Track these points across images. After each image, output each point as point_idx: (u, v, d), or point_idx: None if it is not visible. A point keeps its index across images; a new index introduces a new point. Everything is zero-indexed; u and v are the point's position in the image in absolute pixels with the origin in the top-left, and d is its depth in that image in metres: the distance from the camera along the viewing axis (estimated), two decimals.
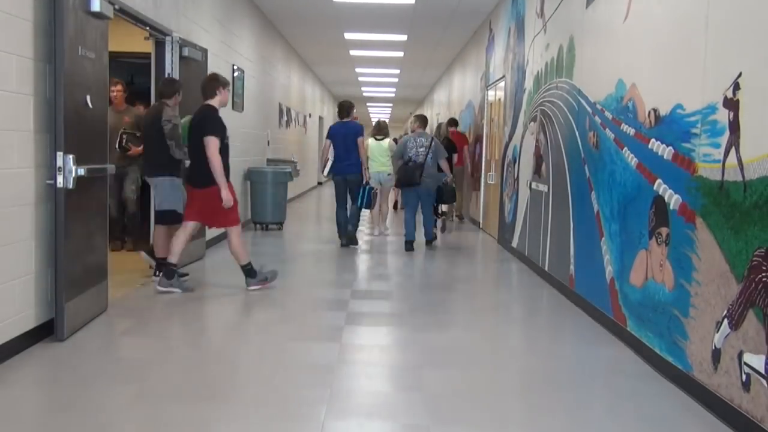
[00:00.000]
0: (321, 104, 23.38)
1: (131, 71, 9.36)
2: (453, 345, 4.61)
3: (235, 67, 9.59)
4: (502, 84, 9.87)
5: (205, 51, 7.49)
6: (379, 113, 39.56)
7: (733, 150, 3.36)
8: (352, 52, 15.69)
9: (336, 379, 3.82)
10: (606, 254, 5.12)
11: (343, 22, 12.08)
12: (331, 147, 8.61)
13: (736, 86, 3.35)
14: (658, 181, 4.23)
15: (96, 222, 4.88)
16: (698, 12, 3.78)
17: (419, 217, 8.76)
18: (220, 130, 5.61)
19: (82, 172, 4.38)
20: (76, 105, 4.44)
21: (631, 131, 4.69)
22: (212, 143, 5.52)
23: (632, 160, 4.65)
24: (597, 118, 5.43)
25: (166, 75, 6.68)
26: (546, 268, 6.94)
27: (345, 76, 20.86)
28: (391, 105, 32.88)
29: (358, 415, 3.36)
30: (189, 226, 5.79)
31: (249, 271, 5.91)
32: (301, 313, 5.38)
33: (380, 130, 9.94)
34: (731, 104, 3.39)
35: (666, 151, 4.14)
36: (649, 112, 4.41)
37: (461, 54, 14.75)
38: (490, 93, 11.00)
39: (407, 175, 8.48)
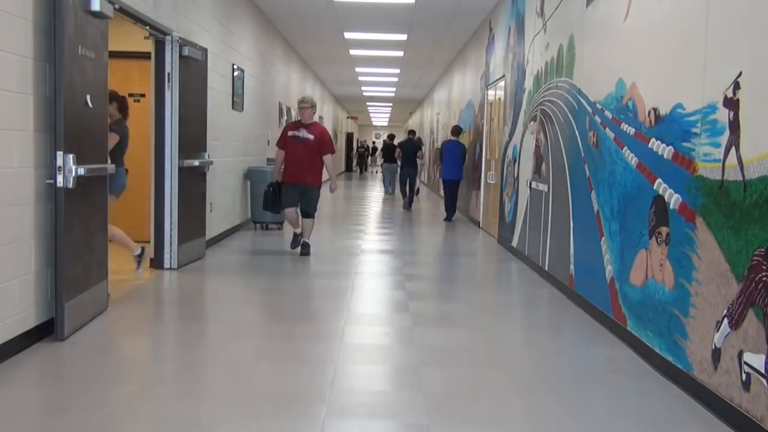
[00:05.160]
0: (321, 104, 23.38)
1: None
2: (453, 344, 4.61)
3: (235, 67, 9.59)
4: (502, 83, 9.87)
5: (205, 50, 7.49)
6: (379, 113, 39.61)
7: (733, 149, 3.36)
8: (352, 52, 15.68)
9: (336, 379, 3.82)
10: (606, 254, 5.12)
11: (343, 21, 12.08)
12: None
13: (736, 86, 3.35)
14: (658, 180, 4.23)
15: (96, 221, 4.88)
16: (698, 11, 3.78)
17: None
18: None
19: (82, 171, 4.38)
20: (76, 104, 4.44)
21: (631, 131, 4.69)
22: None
23: (632, 160, 4.65)
24: (597, 118, 5.44)
25: (166, 75, 6.69)
26: (546, 268, 6.94)
27: (345, 76, 20.87)
28: (390, 105, 32.88)
29: (358, 415, 3.36)
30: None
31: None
32: (301, 312, 5.38)
33: None
34: (731, 104, 3.39)
35: (666, 151, 4.14)
36: (649, 112, 4.41)
37: (461, 53, 14.75)
38: (490, 92, 11.00)
39: None
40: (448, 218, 12.69)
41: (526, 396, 3.71)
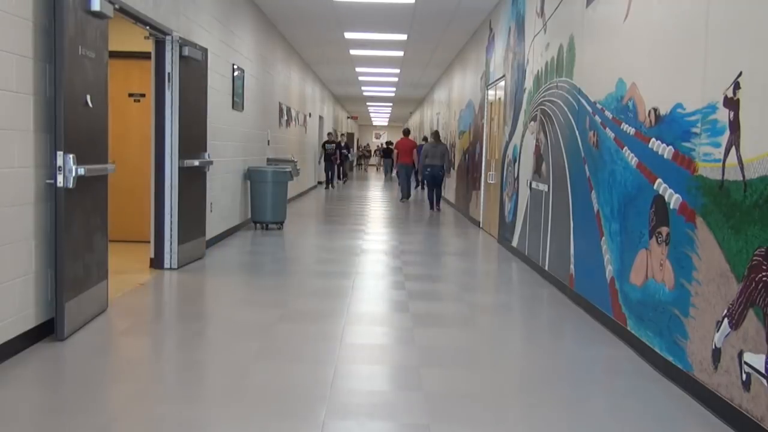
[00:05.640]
0: (321, 104, 23.38)
1: None
2: (453, 344, 4.61)
3: (235, 67, 9.60)
4: (502, 83, 9.87)
5: (205, 50, 7.49)
6: (379, 113, 39.58)
7: (733, 149, 3.36)
8: (352, 52, 15.69)
9: (336, 379, 3.82)
10: (606, 254, 5.12)
11: (343, 21, 12.08)
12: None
13: (737, 85, 3.35)
14: (659, 180, 4.23)
15: (96, 221, 4.88)
16: (698, 11, 3.78)
17: None
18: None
19: (82, 171, 4.38)
20: (76, 104, 4.44)
21: (632, 130, 4.69)
22: None
23: (632, 160, 4.65)
24: (597, 118, 5.44)
25: (166, 74, 6.69)
26: (546, 268, 6.94)
27: (345, 76, 20.87)
28: (390, 105, 32.88)
29: (358, 415, 3.36)
30: None
31: None
32: (301, 312, 5.38)
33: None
34: (731, 103, 3.39)
35: (666, 151, 4.14)
36: (650, 112, 4.41)
37: (461, 53, 14.75)
38: (490, 92, 11.01)
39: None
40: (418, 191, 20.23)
41: (525, 396, 3.71)
